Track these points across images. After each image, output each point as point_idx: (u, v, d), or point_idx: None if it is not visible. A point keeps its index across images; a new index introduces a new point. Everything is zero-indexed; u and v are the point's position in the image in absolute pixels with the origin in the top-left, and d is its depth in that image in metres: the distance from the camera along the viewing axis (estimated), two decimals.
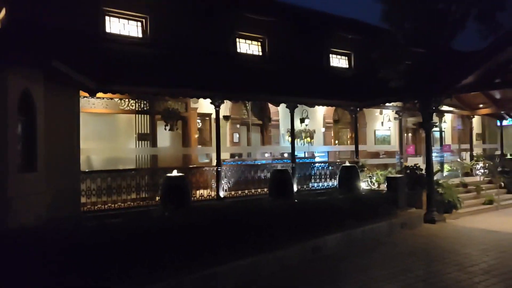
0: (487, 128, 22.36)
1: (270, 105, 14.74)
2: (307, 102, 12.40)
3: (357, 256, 7.84)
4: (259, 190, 11.41)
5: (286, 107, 12.15)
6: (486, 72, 10.60)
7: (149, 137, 11.60)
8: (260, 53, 15.05)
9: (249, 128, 14.98)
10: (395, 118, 16.33)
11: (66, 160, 8.34)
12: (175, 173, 9.33)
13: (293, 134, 12.42)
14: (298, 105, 12.26)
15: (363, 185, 12.98)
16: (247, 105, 14.59)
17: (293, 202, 9.47)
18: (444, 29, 9.11)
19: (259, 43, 15.07)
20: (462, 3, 8.48)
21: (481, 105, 16.52)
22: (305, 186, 12.34)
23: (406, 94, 11.13)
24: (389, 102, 12.85)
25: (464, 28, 9.12)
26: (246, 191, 11.27)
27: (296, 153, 12.75)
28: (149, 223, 6.69)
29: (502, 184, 14.73)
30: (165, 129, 11.74)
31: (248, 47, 14.86)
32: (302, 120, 14.97)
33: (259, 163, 12.26)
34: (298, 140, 15.20)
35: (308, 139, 15.69)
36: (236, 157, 13.54)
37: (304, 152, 15.09)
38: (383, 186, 13.02)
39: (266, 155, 14.50)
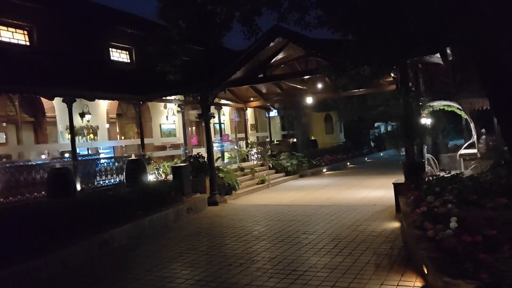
0: (258, 119, 25.57)
1: (44, 100, 13.41)
2: (86, 95, 11.78)
3: (147, 244, 8.02)
4: (35, 193, 10.31)
5: (63, 101, 11.30)
6: (251, 69, 12.20)
7: None
8: (27, 43, 13.51)
9: (19, 126, 13.31)
10: (178, 111, 17.07)
11: None
12: None
13: (72, 130, 11.63)
14: (77, 99, 11.56)
15: (151, 177, 13.19)
16: (15, 100, 12.92)
17: (76, 201, 8.93)
18: (214, 29, 9.97)
19: (25, 32, 13.51)
20: (226, 6, 9.43)
21: (252, 99, 18.78)
22: (89, 184, 11.73)
23: (185, 88, 11.82)
24: (170, 95, 13.40)
25: (230, 29, 10.12)
26: (19, 196, 10.02)
27: (78, 151, 12.02)
28: None
29: (271, 165, 17.15)
30: None
31: (11, 35, 13.15)
32: (82, 115, 14.15)
33: (33, 164, 11.07)
34: (80, 137, 14.33)
35: (91, 135, 14.96)
36: (4, 159, 11.87)
37: (88, 149, 14.34)
38: (170, 177, 13.53)
39: (43, 156, 13.20)
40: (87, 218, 7.76)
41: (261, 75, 12.22)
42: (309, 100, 15.48)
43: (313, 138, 24.85)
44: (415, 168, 9.32)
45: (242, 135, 21.70)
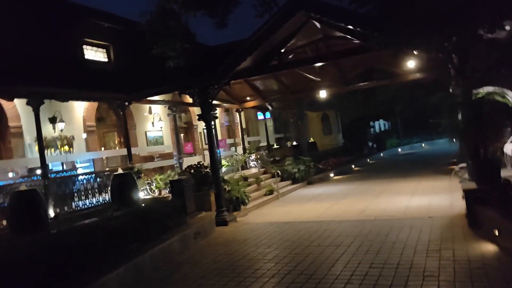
0: (249, 122, 23.31)
1: (5, 105, 10.88)
2: (56, 94, 9.26)
3: None
4: None
5: (27, 103, 8.84)
6: (260, 56, 9.98)
7: None
8: None
9: None
10: (168, 115, 14.69)
11: None
12: None
13: (41, 140, 9.15)
14: (45, 100, 9.10)
15: (142, 194, 10.82)
16: None
17: (47, 235, 6.56)
18: (219, 3, 7.79)
19: None
20: None
21: (248, 98, 16.52)
22: (66, 208, 9.22)
23: (181, 82, 9.49)
24: (164, 92, 11.03)
25: (239, 4, 7.99)
26: None
27: (50, 167, 9.57)
28: None
29: (278, 172, 14.94)
30: None
31: None
32: (52, 120, 11.57)
33: None
34: (53, 150, 11.83)
35: (66, 147, 12.45)
36: None
37: (62, 164, 11.83)
38: (165, 192, 11.22)
39: (10, 174, 10.67)
40: (65, 265, 5.37)
41: (275, 62, 9.98)
42: (322, 93, 13.31)
43: (311, 140, 22.73)
44: (490, 169, 7.31)
45: (233, 140, 19.46)
